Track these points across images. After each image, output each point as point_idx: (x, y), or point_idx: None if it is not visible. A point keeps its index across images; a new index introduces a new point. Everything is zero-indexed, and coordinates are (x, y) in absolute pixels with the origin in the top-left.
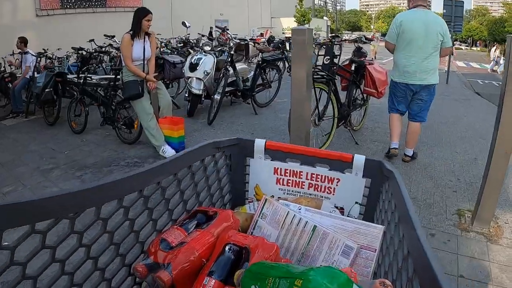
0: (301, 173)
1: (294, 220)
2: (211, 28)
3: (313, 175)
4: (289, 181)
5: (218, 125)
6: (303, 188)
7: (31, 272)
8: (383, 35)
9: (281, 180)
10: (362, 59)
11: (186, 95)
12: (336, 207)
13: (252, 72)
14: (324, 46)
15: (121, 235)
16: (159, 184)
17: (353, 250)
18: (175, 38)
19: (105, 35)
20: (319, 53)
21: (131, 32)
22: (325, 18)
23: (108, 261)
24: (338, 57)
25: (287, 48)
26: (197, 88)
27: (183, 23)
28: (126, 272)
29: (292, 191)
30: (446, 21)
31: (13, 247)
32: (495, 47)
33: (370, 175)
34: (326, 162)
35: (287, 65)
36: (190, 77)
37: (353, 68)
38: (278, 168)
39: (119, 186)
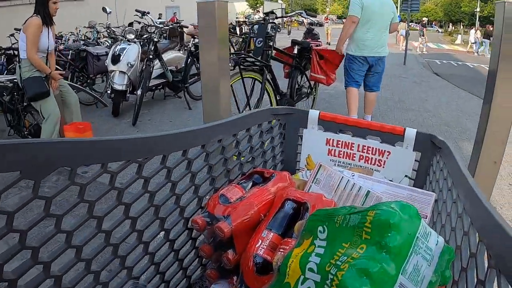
0: (353, 145)
1: (348, 185)
2: (160, 14)
3: (364, 147)
4: (340, 152)
5: (144, 125)
6: (354, 160)
7: (98, 212)
8: (339, 17)
9: (332, 151)
10: (317, 42)
11: (109, 91)
12: None
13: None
14: (275, 29)
15: (182, 188)
16: (220, 142)
17: None
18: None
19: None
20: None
21: (38, 15)
22: (279, 1)
23: (168, 212)
24: (273, 38)
25: (238, 32)
26: (119, 83)
27: (103, 9)
28: (184, 226)
29: (343, 162)
30: (403, 1)
31: (85, 184)
32: (474, 29)
33: (420, 148)
34: (378, 135)
35: (232, 51)
36: (112, 70)
37: (296, 51)
38: (330, 139)
39: (183, 138)
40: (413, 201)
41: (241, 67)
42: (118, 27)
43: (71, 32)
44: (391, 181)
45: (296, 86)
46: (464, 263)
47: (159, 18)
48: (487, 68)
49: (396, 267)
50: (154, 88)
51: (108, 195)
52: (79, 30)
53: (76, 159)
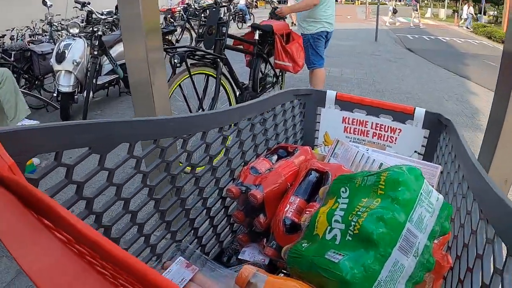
0: (367, 123)
1: (363, 158)
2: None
3: (377, 125)
4: (355, 129)
5: None
6: (368, 136)
7: (150, 182)
8: None
9: (348, 129)
10: (281, 24)
11: (55, 94)
12: None
13: None
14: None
15: (218, 161)
16: (250, 119)
17: None
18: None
19: None
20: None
21: None
22: None
23: (206, 182)
24: (227, 24)
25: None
26: (65, 84)
27: (43, 2)
28: (219, 195)
29: (357, 139)
30: None
31: (141, 157)
32: (466, 5)
33: (429, 126)
34: (390, 114)
35: (194, 35)
36: (58, 70)
37: (257, 36)
38: (346, 118)
39: (219, 117)
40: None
41: (189, 63)
42: (66, 20)
43: (27, 27)
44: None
45: (260, 76)
46: (463, 220)
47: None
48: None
49: (405, 216)
50: (106, 85)
51: (160, 168)
52: (35, 24)
53: (134, 136)
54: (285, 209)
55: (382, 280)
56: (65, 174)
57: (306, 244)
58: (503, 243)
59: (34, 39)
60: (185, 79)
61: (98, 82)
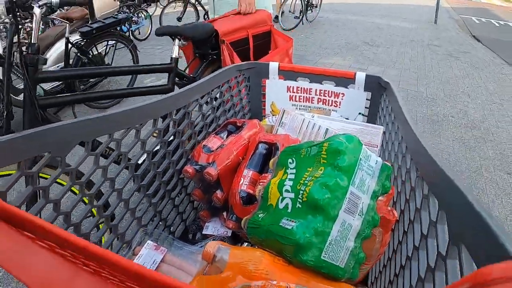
0: (311, 90)
1: (309, 125)
2: None
3: (321, 91)
4: (300, 97)
5: None
6: (313, 103)
7: (110, 174)
8: None
9: (293, 97)
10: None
11: None
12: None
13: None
14: None
15: (172, 146)
16: (197, 101)
17: None
18: None
19: None
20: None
21: None
22: None
23: (163, 166)
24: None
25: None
26: None
27: None
28: (176, 177)
29: (303, 106)
30: None
31: (98, 152)
32: None
33: (370, 88)
34: (332, 79)
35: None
36: None
37: (176, 53)
38: (290, 87)
39: (168, 102)
40: (365, 134)
41: None
42: None
43: None
44: (347, 119)
45: None
46: (403, 177)
47: None
48: None
49: (347, 180)
50: None
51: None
52: None
53: (90, 134)
54: (240, 183)
55: (333, 240)
56: (30, 181)
57: (262, 215)
58: (435, 199)
59: None
60: None
61: None
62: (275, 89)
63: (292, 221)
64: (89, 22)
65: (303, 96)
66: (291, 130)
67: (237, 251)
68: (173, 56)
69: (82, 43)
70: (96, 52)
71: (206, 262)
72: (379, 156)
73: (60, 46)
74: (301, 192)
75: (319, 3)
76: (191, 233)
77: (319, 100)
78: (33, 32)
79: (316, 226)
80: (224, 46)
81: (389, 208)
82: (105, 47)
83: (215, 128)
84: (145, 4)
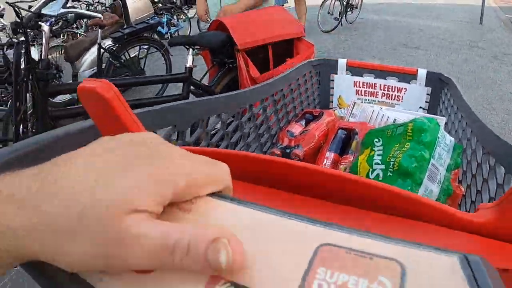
0: (376, 85)
1: (378, 116)
2: None
3: (385, 86)
4: (366, 91)
5: None
6: (377, 97)
7: None
8: None
9: (359, 91)
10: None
11: None
12: None
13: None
14: None
15: (261, 129)
16: (282, 91)
17: None
18: None
19: None
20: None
21: None
22: None
23: (254, 148)
24: None
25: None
26: None
27: None
28: None
29: (368, 100)
30: None
31: (207, 131)
32: None
33: (431, 84)
34: (395, 75)
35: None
36: None
37: (190, 63)
38: (357, 82)
39: (261, 90)
40: None
41: None
42: None
43: None
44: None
45: None
46: (469, 157)
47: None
48: None
49: (429, 153)
50: None
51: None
52: None
53: (204, 113)
54: (323, 163)
55: None
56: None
57: None
58: (502, 167)
59: None
60: None
61: None
62: (343, 83)
63: None
64: (123, 27)
65: (368, 91)
66: (362, 120)
67: None
68: (187, 65)
69: (114, 48)
70: (129, 57)
71: None
72: None
73: (94, 51)
74: (391, 162)
75: (360, 3)
76: None
77: (383, 94)
78: (42, 48)
79: (406, 188)
80: (239, 55)
81: (456, 184)
82: (138, 52)
83: (294, 116)
84: (186, 6)
